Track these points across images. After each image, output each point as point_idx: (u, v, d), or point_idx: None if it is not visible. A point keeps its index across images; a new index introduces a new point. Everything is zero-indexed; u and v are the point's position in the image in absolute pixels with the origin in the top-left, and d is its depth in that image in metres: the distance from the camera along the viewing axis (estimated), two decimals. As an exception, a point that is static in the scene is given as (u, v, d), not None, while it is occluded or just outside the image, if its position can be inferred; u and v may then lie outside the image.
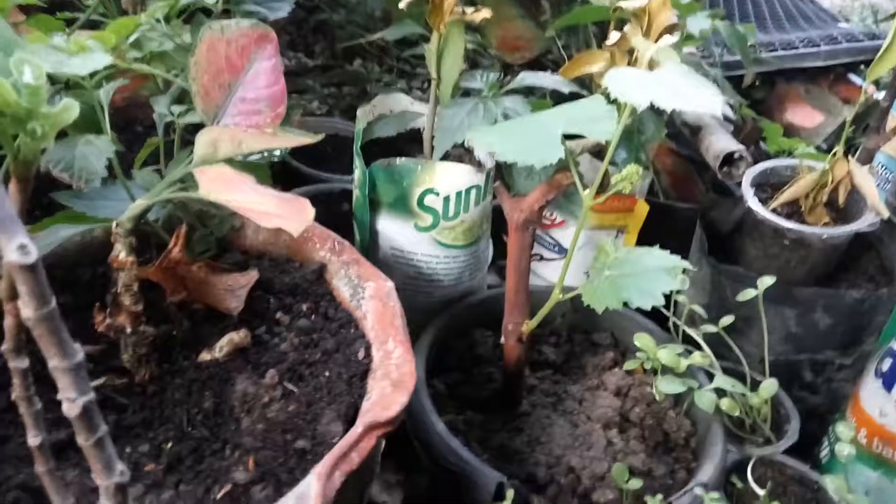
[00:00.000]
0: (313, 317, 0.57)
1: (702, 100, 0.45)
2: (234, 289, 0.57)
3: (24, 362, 0.34)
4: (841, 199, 0.72)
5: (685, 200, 0.91)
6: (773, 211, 0.72)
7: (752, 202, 0.72)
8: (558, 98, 0.77)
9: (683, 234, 0.84)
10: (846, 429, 0.60)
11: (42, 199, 0.65)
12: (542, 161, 0.50)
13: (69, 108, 0.30)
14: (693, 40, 0.88)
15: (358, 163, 0.68)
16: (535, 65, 1.15)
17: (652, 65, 0.55)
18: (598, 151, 0.79)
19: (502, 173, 0.65)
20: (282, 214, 0.42)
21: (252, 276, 0.58)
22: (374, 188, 0.67)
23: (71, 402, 0.30)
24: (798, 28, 1.46)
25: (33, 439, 0.34)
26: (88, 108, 0.56)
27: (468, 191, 0.66)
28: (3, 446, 0.46)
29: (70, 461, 0.45)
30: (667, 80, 0.47)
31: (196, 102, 0.50)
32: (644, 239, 0.83)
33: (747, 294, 0.66)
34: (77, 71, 0.44)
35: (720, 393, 0.62)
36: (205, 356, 0.53)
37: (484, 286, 0.78)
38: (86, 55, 0.47)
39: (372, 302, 0.56)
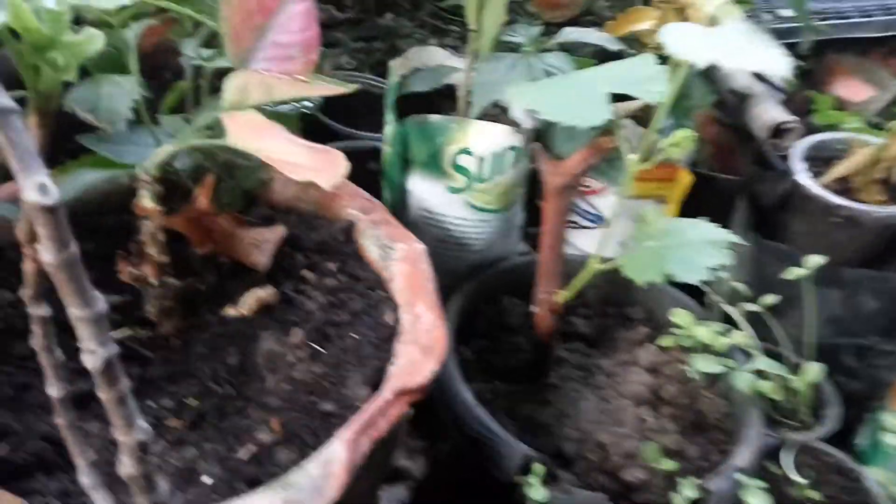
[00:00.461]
0: (341, 276, 0.56)
1: (768, 59, 0.41)
2: (261, 243, 0.55)
3: (45, 310, 0.32)
4: (897, 176, 0.69)
5: (728, 172, 0.87)
6: (824, 187, 0.69)
7: (802, 177, 0.68)
8: (603, 58, 0.74)
9: (725, 206, 0.80)
10: (894, 419, 0.57)
11: (67, 145, 0.64)
12: (587, 121, 0.47)
13: (93, 38, 0.28)
14: (744, 3, 0.83)
15: (390, 118, 0.65)
16: (574, 23, 1.10)
17: (711, 22, 0.52)
18: (640, 117, 0.75)
19: (541, 134, 0.62)
20: (314, 167, 0.40)
21: (279, 231, 0.56)
22: (405, 146, 0.64)
23: (92, 353, 0.29)
24: (851, -4, 1.39)
25: (54, 390, 0.33)
26: (115, 50, 0.54)
27: (504, 152, 0.63)
28: (25, 394, 0.45)
29: (92, 412, 0.44)
30: (728, 38, 0.44)
31: (226, 45, 0.47)
32: (683, 210, 0.80)
33: (792, 273, 0.62)
34: (102, 4, 0.42)
35: (760, 375, 0.59)
36: (230, 311, 0.51)
37: (515, 252, 0.75)
38: (113, -10, 0.44)
39: (401, 264, 0.54)
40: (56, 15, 0.26)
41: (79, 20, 0.57)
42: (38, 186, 0.26)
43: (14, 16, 0.26)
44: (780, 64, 0.41)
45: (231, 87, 0.44)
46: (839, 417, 0.67)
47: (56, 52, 0.26)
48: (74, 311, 0.28)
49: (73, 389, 0.43)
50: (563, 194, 0.57)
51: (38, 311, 0.32)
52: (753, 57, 0.42)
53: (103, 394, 0.30)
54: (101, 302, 0.28)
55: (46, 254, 0.27)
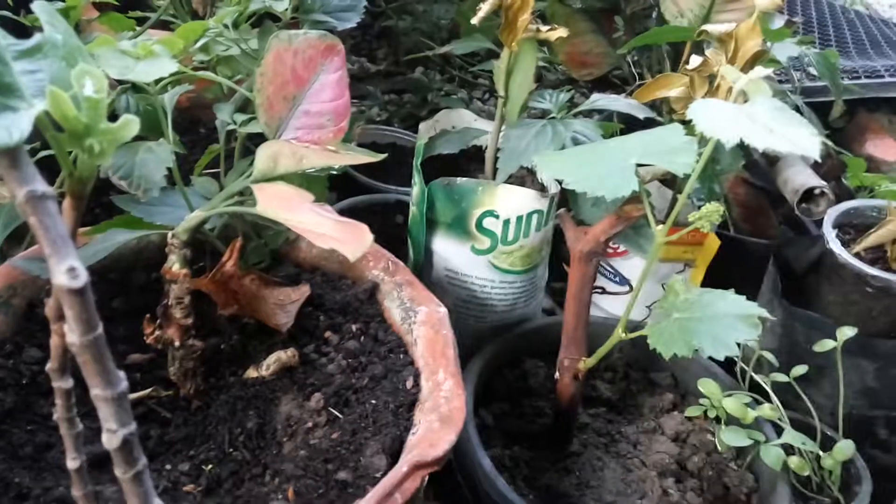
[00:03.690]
0: (362, 338, 0.56)
1: (798, 140, 0.41)
2: (285, 304, 0.56)
3: (68, 382, 0.33)
4: (933, 246, 0.67)
5: (757, 235, 0.86)
6: (857, 255, 0.67)
7: (834, 245, 0.67)
8: (626, 119, 0.74)
9: (753, 270, 0.79)
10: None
11: (102, 198, 0.65)
12: (614, 193, 0.47)
13: (128, 125, 0.28)
14: (773, 64, 0.83)
15: (417, 180, 0.66)
16: (602, 80, 1.11)
17: (740, 97, 0.51)
18: (667, 179, 0.75)
19: (567, 200, 0.62)
20: (339, 238, 0.40)
21: (304, 291, 0.57)
22: (431, 207, 0.65)
23: (111, 433, 0.29)
24: (883, 55, 1.39)
25: (72, 462, 0.33)
26: (152, 111, 0.56)
27: (530, 215, 0.63)
28: (46, 454, 0.45)
29: (110, 474, 0.44)
30: (758, 116, 0.44)
31: (259, 114, 0.48)
32: (711, 273, 0.79)
33: (824, 345, 0.61)
34: (142, 78, 0.43)
35: (788, 449, 0.57)
36: (251, 373, 0.51)
37: (539, 312, 0.75)
38: (152, 61, 0.46)
39: (423, 328, 0.54)
40: (94, 103, 0.27)
41: (119, 80, 0.59)
42: (67, 270, 0.26)
43: (54, 105, 0.27)
44: (810, 145, 0.41)
45: (262, 156, 0.45)
46: (871, 493, 0.64)
47: (92, 139, 0.27)
48: (96, 391, 0.28)
49: (92, 450, 0.43)
50: (589, 261, 0.57)
51: (62, 384, 0.32)
52: (783, 137, 0.42)
53: (120, 472, 0.30)
54: (122, 382, 0.29)
55: (72, 335, 0.27)
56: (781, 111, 0.45)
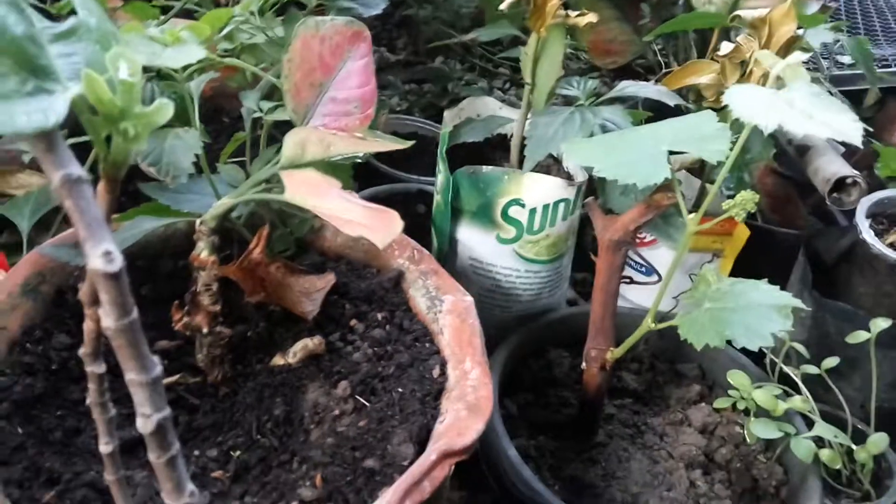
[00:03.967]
0: (388, 327, 0.55)
1: (839, 126, 0.40)
2: (311, 292, 0.55)
3: (101, 367, 0.33)
4: (969, 237, 0.65)
5: (785, 225, 0.85)
6: (890, 245, 0.66)
7: (868, 234, 0.66)
8: (652, 107, 0.73)
9: (781, 260, 0.78)
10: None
11: (128, 186, 0.65)
12: (646, 180, 0.46)
13: (163, 108, 0.28)
14: (803, 50, 0.81)
15: (442, 168, 0.65)
16: (625, 69, 1.10)
17: (776, 82, 0.50)
18: (694, 169, 0.74)
19: (595, 188, 0.62)
20: (368, 225, 0.40)
21: (329, 279, 0.57)
22: (456, 195, 0.64)
23: (146, 417, 0.29)
24: (914, 42, 1.36)
25: (104, 446, 0.33)
26: (178, 99, 0.55)
27: (556, 204, 0.62)
28: (75, 439, 0.45)
29: (139, 459, 0.44)
30: (796, 102, 0.43)
31: (287, 101, 0.48)
32: (738, 263, 0.77)
33: (857, 337, 0.60)
34: (171, 64, 0.43)
35: (819, 442, 0.57)
36: (278, 360, 0.51)
37: (563, 302, 0.74)
38: (180, 47, 0.46)
39: (449, 317, 0.53)
40: (129, 86, 0.27)
41: (144, 69, 0.59)
42: (103, 254, 0.26)
43: (89, 88, 0.26)
44: (851, 130, 0.40)
45: (290, 143, 0.45)
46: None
47: (127, 123, 0.27)
48: (131, 376, 0.28)
49: (121, 435, 0.43)
50: (617, 250, 0.56)
51: (95, 368, 0.32)
52: (823, 123, 0.41)
53: (154, 456, 0.30)
54: (157, 366, 0.29)
55: (107, 318, 0.27)
56: (819, 97, 0.43)
